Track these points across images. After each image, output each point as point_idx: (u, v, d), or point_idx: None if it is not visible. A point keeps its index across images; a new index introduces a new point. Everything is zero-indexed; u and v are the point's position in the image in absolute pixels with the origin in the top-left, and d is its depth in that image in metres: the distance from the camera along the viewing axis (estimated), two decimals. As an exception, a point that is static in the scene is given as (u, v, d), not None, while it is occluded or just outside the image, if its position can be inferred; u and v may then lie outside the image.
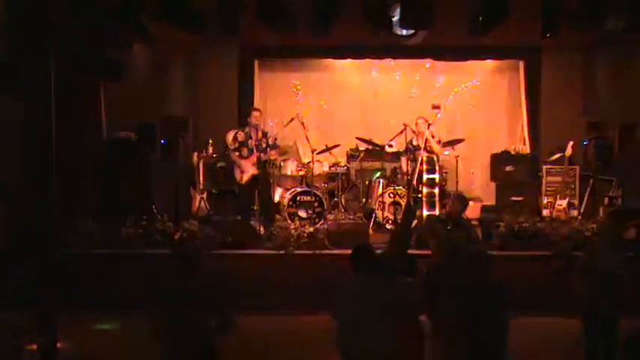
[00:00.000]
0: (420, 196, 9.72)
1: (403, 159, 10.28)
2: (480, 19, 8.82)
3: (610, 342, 5.86)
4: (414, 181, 9.68)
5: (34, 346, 6.21)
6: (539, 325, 6.39)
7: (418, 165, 9.65)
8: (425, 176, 9.66)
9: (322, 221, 9.84)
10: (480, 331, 4.92)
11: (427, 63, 12.00)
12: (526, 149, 11.46)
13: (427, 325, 5.94)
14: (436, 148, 9.80)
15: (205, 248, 8.73)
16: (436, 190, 9.67)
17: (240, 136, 9.70)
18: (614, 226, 6.92)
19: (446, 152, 10.46)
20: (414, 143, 9.94)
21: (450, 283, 5.29)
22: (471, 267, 5.19)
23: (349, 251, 5.45)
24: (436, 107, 9.73)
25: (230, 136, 9.84)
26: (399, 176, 10.43)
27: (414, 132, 9.94)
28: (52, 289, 6.28)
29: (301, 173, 10.49)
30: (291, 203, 9.97)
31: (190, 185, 10.68)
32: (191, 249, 5.48)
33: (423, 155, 9.64)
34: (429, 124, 9.71)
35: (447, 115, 12.11)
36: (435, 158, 9.77)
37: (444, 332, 5.42)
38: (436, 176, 9.72)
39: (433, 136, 9.81)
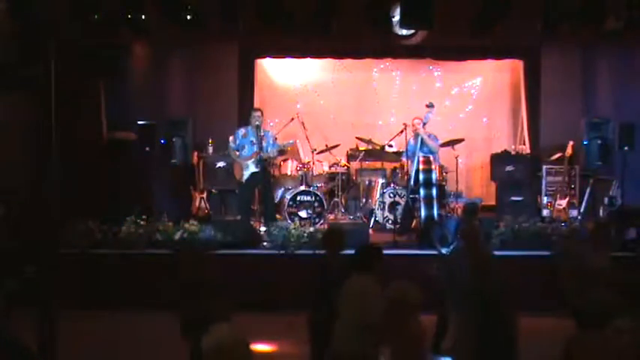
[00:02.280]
0: (417, 196, 9.70)
1: (404, 160, 10.27)
2: (480, 19, 8.84)
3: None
4: (412, 182, 9.64)
5: (34, 346, 6.20)
6: (540, 324, 6.39)
7: (415, 165, 9.61)
8: (422, 176, 9.62)
9: (322, 221, 9.84)
10: (491, 334, 4.94)
11: (427, 63, 12.00)
12: (526, 149, 11.46)
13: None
14: (433, 146, 9.78)
15: (205, 248, 8.76)
16: (434, 191, 9.63)
17: (242, 134, 9.71)
18: (602, 227, 6.89)
19: (434, 145, 10.15)
20: (412, 143, 9.94)
21: (464, 287, 5.32)
22: (477, 271, 5.22)
23: (350, 251, 5.47)
24: (430, 106, 9.70)
25: (232, 134, 9.85)
26: (399, 176, 10.43)
27: (414, 132, 9.93)
28: (51, 289, 6.27)
29: (301, 173, 10.49)
30: (291, 203, 9.98)
31: (190, 185, 10.68)
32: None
33: (420, 155, 9.61)
34: (424, 124, 9.68)
35: (447, 115, 12.13)
36: (432, 158, 9.73)
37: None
38: (433, 176, 9.68)
39: (430, 135, 9.80)
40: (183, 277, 5.16)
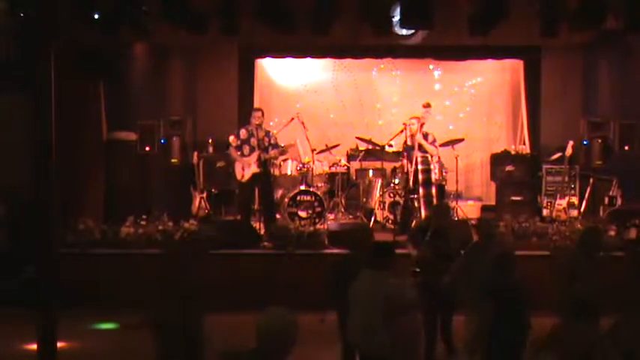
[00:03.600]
0: (417, 196, 9.70)
1: (403, 160, 10.26)
2: (480, 19, 8.83)
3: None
4: (411, 182, 9.65)
5: (34, 346, 6.21)
6: (540, 325, 6.38)
7: (413, 165, 9.61)
8: (420, 176, 9.62)
9: (322, 221, 9.84)
10: (504, 332, 4.95)
11: (427, 63, 12.00)
12: (526, 149, 11.46)
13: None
14: (429, 148, 9.77)
15: (205, 248, 8.76)
16: (433, 190, 9.64)
17: (243, 134, 9.71)
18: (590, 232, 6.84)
19: (432, 148, 9.96)
20: (409, 143, 9.93)
21: (478, 286, 5.34)
22: (496, 270, 5.23)
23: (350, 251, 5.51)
24: (427, 106, 9.70)
25: (232, 134, 9.85)
26: (399, 176, 10.41)
27: (410, 132, 9.92)
28: (51, 289, 6.27)
29: (301, 173, 10.49)
30: (291, 203, 9.97)
31: (190, 185, 10.68)
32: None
33: (417, 155, 9.61)
34: (421, 124, 9.68)
35: (447, 115, 12.13)
36: (430, 157, 9.73)
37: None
38: (432, 176, 9.68)
39: (426, 135, 9.78)
40: (162, 276, 5.15)
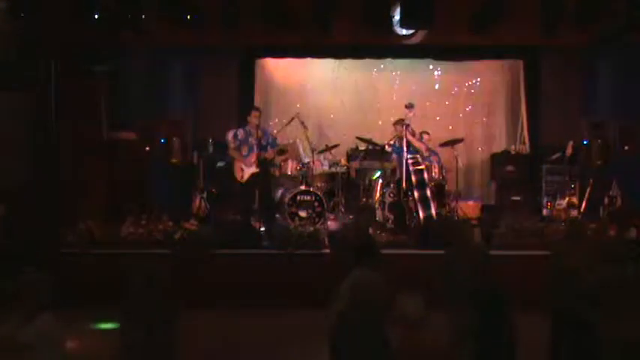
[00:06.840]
0: (411, 198, 9.69)
1: (395, 161, 10.27)
2: (480, 18, 8.85)
3: (584, 342, 5.78)
4: (404, 184, 9.64)
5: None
6: (539, 325, 6.39)
7: (404, 167, 9.59)
8: (413, 178, 9.61)
9: (322, 221, 9.85)
10: (489, 336, 4.92)
11: (427, 63, 12.00)
12: (526, 149, 11.46)
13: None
14: (419, 146, 9.77)
15: (205, 248, 8.76)
16: (427, 191, 9.62)
17: (241, 134, 9.71)
18: (581, 226, 6.76)
19: (420, 144, 10.03)
20: (397, 145, 9.93)
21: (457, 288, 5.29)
22: (472, 272, 5.20)
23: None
24: (409, 107, 9.69)
25: (230, 134, 9.86)
26: (397, 177, 10.40)
27: (398, 135, 9.94)
28: (51, 288, 6.27)
29: (301, 173, 10.49)
30: (291, 203, 9.97)
31: (190, 185, 10.68)
32: None
33: (407, 157, 9.60)
34: (406, 125, 9.68)
35: (447, 115, 12.14)
36: (420, 157, 9.73)
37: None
38: (425, 176, 9.66)
39: (414, 135, 9.79)
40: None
